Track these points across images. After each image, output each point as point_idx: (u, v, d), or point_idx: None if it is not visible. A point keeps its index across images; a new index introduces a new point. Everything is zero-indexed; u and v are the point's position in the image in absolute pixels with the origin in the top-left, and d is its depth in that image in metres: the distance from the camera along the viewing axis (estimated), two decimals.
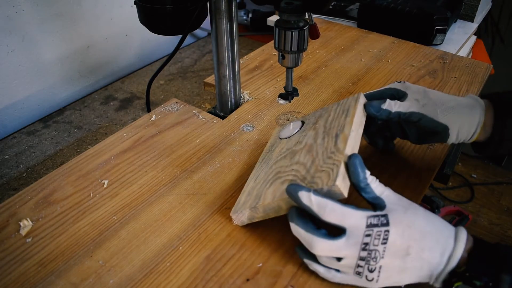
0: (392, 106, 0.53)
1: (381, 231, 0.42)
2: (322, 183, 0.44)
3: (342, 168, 0.44)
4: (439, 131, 0.53)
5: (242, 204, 0.53)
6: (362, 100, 0.55)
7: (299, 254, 0.47)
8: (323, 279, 0.46)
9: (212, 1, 0.65)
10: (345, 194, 0.44)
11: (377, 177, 0.46)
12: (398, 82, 0.58)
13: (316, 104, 0.78)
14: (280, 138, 0.63)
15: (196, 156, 0.65)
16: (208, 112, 0.77)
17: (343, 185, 0.43)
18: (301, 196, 0.43)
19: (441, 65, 0.90)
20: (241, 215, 0.52)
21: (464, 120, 0.53)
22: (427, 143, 0.60)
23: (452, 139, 0.53)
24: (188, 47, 1.27)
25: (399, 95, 0.57)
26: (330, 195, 0.44)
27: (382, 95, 0.58)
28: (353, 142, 0.49)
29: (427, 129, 0.54)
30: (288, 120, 0.74)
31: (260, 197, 0.50)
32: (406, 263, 0.42)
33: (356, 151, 0.49)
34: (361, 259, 0.42)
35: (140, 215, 0.55)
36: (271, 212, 0.49)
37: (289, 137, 0.61)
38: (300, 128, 0.62)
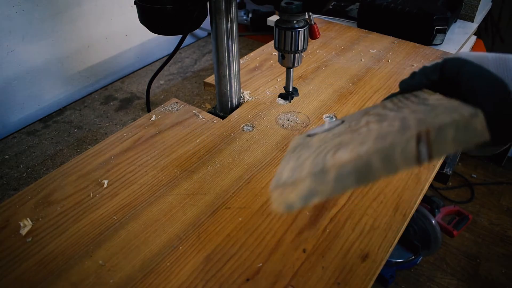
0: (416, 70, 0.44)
1: None
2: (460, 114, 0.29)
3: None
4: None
5: (289, 177, 0.34)
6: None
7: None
8: (323, 279, 0.46)
9: (212, 1, 0.65)
10: None
11: None
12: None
13: (316, 104, 0.78)
14: (309, 135, 0.47)
15: (196, 156, 0.65)
16: (208, 112, 0.77)
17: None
18: None
19: None
20: (292, 189, 0.32)
21: None
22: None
23: None
24: (188, 47, 1.27)
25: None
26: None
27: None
28: None
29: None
30: (288, 120, 0.74)
31: (325, 160, 0.32)
32: None
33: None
34: None
35: (140, 215, 0.55)
36: (346, 180, 0.30)
37: (328, 129, 0.44)
38: (339, 125, 0.45)
